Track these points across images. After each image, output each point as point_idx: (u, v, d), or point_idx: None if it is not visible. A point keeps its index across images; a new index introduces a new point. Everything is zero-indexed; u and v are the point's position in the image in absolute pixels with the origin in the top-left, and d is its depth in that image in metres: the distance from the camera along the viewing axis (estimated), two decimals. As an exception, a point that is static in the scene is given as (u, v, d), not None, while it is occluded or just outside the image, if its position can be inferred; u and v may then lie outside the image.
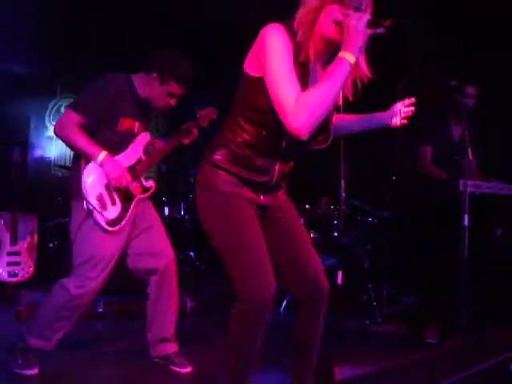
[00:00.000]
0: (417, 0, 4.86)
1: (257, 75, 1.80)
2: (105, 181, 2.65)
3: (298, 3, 1.82)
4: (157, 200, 5.76)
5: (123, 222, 2.69)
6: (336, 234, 4.36)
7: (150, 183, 2.88)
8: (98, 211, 2.61)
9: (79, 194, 2.64)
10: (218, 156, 1.93)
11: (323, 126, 1.82)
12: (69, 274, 2.70)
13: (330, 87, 1.71)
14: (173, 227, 5.83)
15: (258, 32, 1.80)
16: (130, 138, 2.78)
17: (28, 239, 4.55)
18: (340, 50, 1.73)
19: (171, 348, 2.85)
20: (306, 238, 2.05)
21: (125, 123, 2.72)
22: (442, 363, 2.08)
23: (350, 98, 1.94)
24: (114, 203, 2.68)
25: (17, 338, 2.73)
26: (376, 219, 4.52)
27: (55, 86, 6.52)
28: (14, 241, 4.46)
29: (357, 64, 1.79)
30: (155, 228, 2.88)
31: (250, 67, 1.83)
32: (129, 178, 2.71)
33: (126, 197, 2.73)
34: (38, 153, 6.32)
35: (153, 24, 5.53)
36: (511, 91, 4.43)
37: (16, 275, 4.41)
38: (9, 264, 4.40)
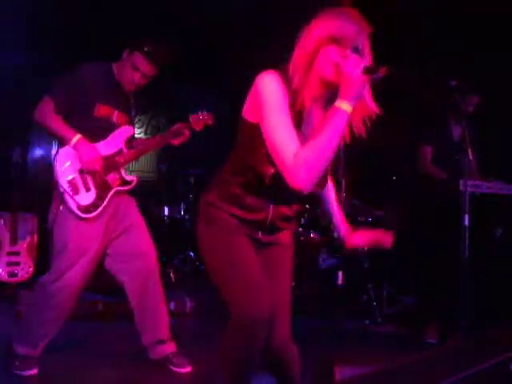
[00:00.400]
0: (417, 0, 4.87)
1: (254, 121, 1.76)
2: (79, 165, 2.65)
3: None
4: (157, 200, 5.78)
5: (98, 210, 2.67)
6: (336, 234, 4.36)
7: (132, 177, 2.86)
8: (70, 195, 2.61)
9: (54, 183, 2.67)
10: (210, 196, 1.93)
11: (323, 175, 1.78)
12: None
13: (327, 139, 1.64)
14: (173, 227, 5.84)
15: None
16: (108, 125, 2.77)
17: (28, 239, 4.55)
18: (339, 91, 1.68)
19: (168, 348, 2.84)
20: (286, 291, 1.96)
21: (101, 110, 2.73)
22: (442, 363, 2.07)
23: (363, 137, 1.87)
24: (88, 189, 2.68)
25: (7, 344, 2.73)
26: (376, 219, 4.52)
27: (55, 86, 6.51)
28: (13, 241, 4.46)
29: (363, 102, 1.76)
30: (138, 228, 2.85)
31: (247, 113, 1.80)
32: (101, 163, 2.69)
33: (103, 186, 2.72)
34: (37, 153, 6.31)
35: (153, 24, 5.53)
36: (511, 91, 4.43)
37: (16, 275, 4.41)
38: (9, 264, 4.40)
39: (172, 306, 4.11)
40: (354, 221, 4.58)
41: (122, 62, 2.79)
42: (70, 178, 2.64)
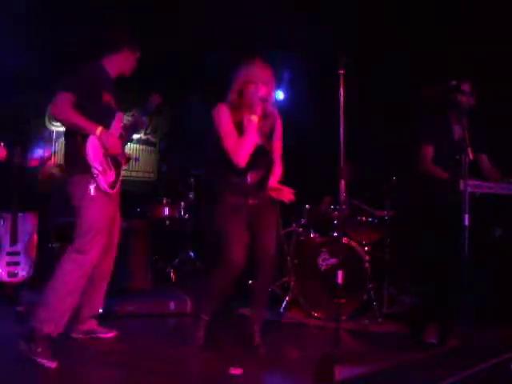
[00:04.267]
0: (417, 0, 4.87)
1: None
2: (102, 150, 3.08)
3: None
4: (157, 200, 5.78)
5: (118, 185, 3.22)
6: (336, 234, 4.37)
7: (128, 154, 3.52)
8: (103, 174, 3.06)
9: (83, 168, 3.02)
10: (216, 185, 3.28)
11: (255, 161, 3.15)
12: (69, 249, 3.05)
13: (246, 137, 3.11)
14: (173, 227, 5.83)
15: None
16: (110, 111, 3.22)
17: (28, 239, 4.55)
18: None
19: (95, 322, 3.41)
20: (272, 229, 3.30)
21: (105, 97, 3.18)
22: (442, 363, 2.08)
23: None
24: (110, 169, 3.15)
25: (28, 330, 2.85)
26: (376, 219, 4.52)
27: (55, 86, 6.51)
28: (13, 241, 4.46)
29: (265, 115, 3.21)
30: (117, 223, 3.38)
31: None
32: (121, 146, 3.23)
33: (117, 164, 3.23)
34: (38, 153, 6.31)
35: (152, 25, 5.53)
36: (511, 91, 4.43)
37: (16, 275, 4.42)
38: (9, 264, 4.41)
39: (172, 306, 4.11)
40: (354, 221, 4.58)
41: (116, 56, 3.32)
42: (100, 161, 3.06)
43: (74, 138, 3.06)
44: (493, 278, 3.69)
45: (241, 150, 3.08)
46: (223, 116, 3.14)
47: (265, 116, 3.20)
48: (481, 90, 3.82)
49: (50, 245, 5.05)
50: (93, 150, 3.03)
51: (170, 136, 7.05)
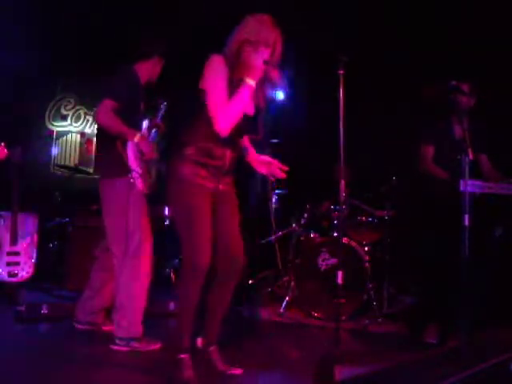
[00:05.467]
0: (417, 0, 4.88)
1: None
2: (139, 155, 3.23)
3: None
4: (157, 200, 5.76)
5: (150, 187, 3.33)
6: (336, 234, 4.37)
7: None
8: (142, 177, 3.21)
9: (123, 171, 3.16)
10: (188, 151, 2.65)
11: (238, 134, 2.69)
12: (115, 255, 3.23)
13: (238, 101, 2.56)
14: (173, 227, 5.82)
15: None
16: (141, 117, 3.38)
17: (28, 239, 4.55)
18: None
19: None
20: (235, 222, 2.77)
21: (141, 105, 3.37)
22: (442, 363, 2.08)
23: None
24: (144, 172, 3.28)
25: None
26: (376, 219, 4.52)
27: (55, 86, 6.51)
28: (13, 241, 4.46)
29: (263, 81, 2.64)
30: None
31: (201, 83, 2.64)
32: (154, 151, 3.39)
33: (149, 168, 3.36)
34: (38, 153, 6.30)
35: (153, 24, 5.53)
36: (511, 91, 4.43)
37: (16, 275, 4.42)
38: (9, 264, 4.40)
39: (172, 306, 4.11)
40: (354, 221, 4.58)
41: (147, 63, 3.41)
42: (138, 164, 3.21)
43: (114, 143, 3.19)
44: (493, 278, 3.68)
45: (227, 114, 2.55)
46: (216, 67, 2.59)
47: (265, 82, 2.68)
48: (481, 90, 3.82)
49: (50, 245, 5.05)
50: (133, 154, 3.20)
51: (170, 136, 7.05)
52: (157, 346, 3.21)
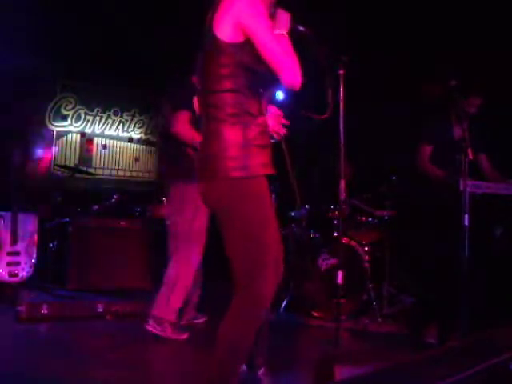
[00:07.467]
0: (417, 0, 4.88)
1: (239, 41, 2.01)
2: None
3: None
4: (157, 200, 5.77)
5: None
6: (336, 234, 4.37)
7: None
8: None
9: (192, 177, 3.23)
10: (249, 134, 1.99)
11: None
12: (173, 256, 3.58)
13: (282, 48, 1.99)
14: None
15: None
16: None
17: (28, 239, 4.55)
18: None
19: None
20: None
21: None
22: (442, 363, 2.07)
23: None
24: None
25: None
26: (376, 219, 4.52)
27: (55, 86, 6.52)
28: (13, 241, 4.46)
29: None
30: None
31: (228, 36, 2.04)
32: None
33: None
34: (38, 153, 6.31)
35: (152, 25, 5.53)
36: (511, 91, 4.43)
37: (16, 275, 4.41)
38: (9, 264, 4.40)
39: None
40: (354, 221, 4.58)
41: None
42: None
43: (184, 150, 3.40)
44: (493, 278, 3.69)
45: (295, 59, 1.98)
46: (261, 6, 1.98)
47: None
48: (481, 90, 3.83)
49: (50, 245, 5.05)
50: None
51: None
52: (184, 336, 3.37)
